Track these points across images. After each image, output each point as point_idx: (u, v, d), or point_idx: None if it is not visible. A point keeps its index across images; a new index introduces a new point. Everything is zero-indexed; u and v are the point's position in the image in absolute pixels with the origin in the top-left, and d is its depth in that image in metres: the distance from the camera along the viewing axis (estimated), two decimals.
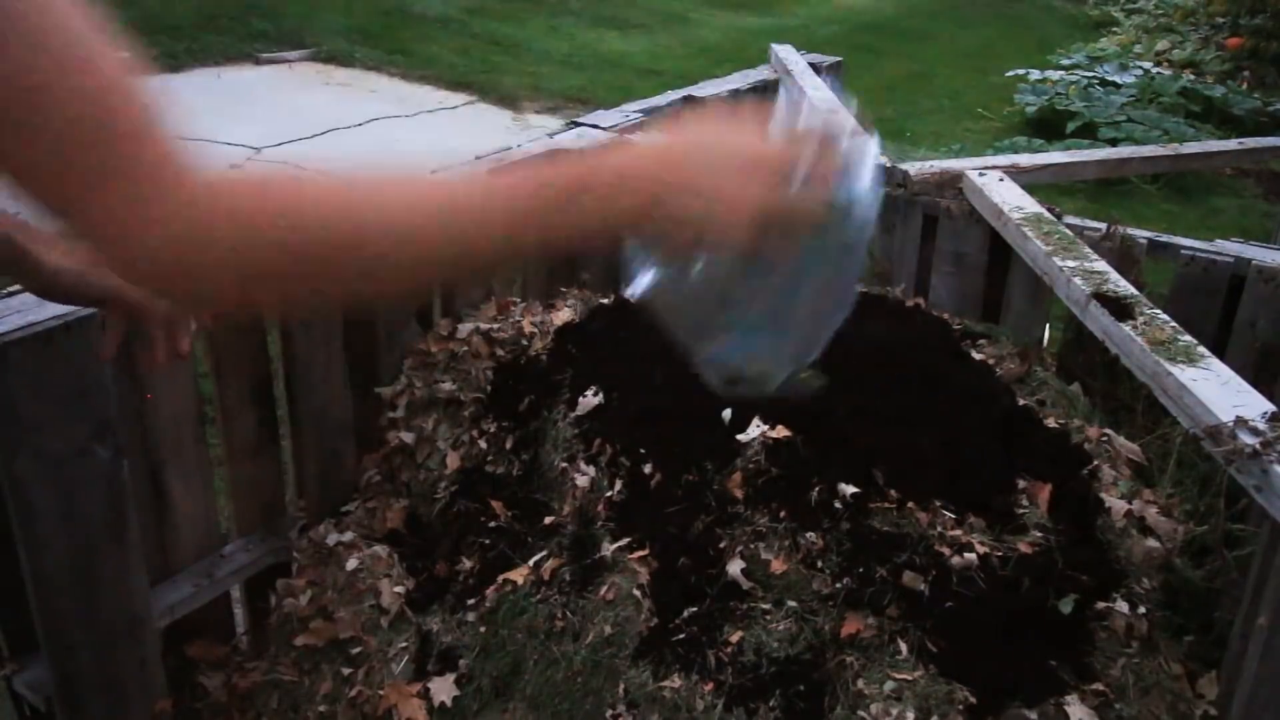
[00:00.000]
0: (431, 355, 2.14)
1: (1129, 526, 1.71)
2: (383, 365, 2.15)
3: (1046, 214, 2.29)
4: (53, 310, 1.55)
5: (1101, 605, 1.58)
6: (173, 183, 0.63)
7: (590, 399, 1.90)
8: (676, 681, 1.52)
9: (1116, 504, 1.72)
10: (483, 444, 2.01)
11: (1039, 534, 1.64)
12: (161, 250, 0.63)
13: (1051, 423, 1.90)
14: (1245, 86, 7.51)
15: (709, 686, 1.51)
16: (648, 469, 1.77)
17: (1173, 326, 1.83)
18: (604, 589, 1.64)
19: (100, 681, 1.73)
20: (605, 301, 2.27)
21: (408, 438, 2.08)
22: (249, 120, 5.87)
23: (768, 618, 1.57)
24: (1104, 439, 1.90)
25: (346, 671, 1.71)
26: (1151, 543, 1.69)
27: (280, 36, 7.80)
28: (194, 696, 1.86)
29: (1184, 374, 1.66)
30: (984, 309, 2.45)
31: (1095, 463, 1.80)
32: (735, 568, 1.61)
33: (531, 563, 1.71)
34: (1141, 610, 1.60)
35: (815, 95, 3.15)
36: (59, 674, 1.69)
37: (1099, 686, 1.51)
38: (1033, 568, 1.59)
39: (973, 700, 1.47)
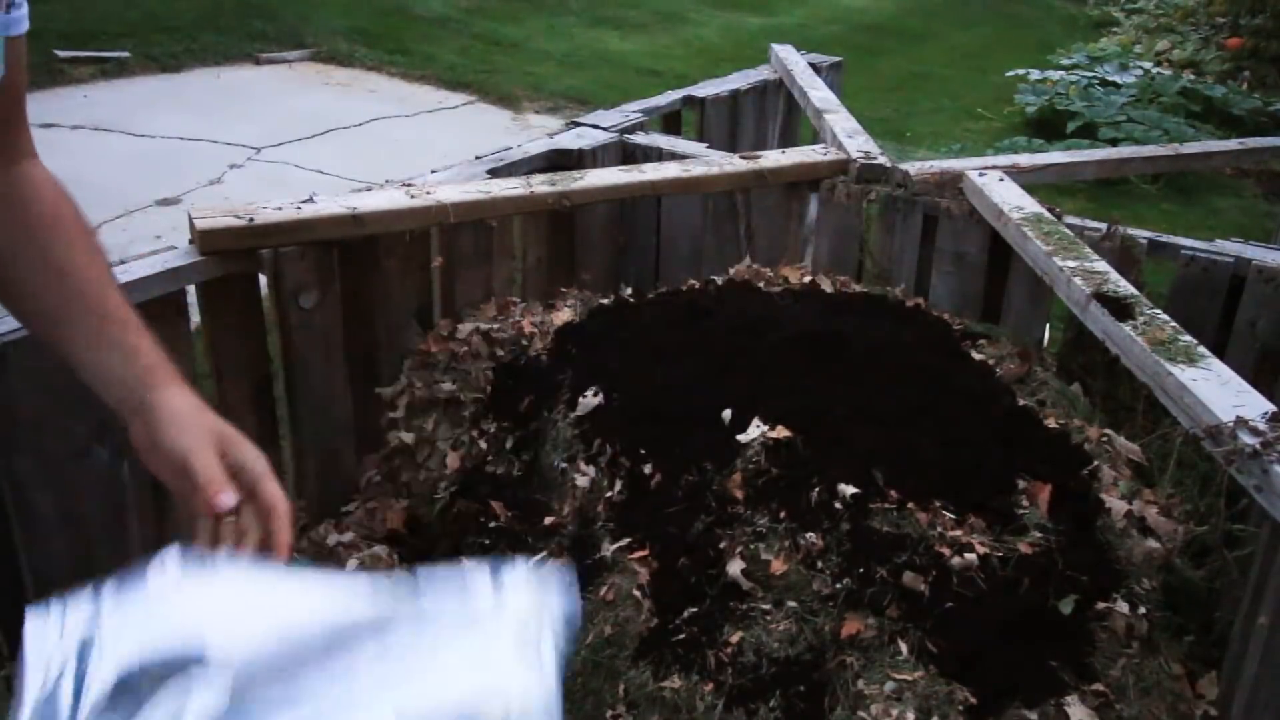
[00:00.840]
0: (431, 355, 2.14)
1: (1129, 527, 1.70)
2: (383, 365, 2.15)
3: (1046, 214, 2.29)
4: None
5: (1101, 606, 1.58)
6: None
7: (590, 399, 1.90)
8: (676, 682, 1.52)
9: (1116, 504, 1.72)
10: (483, 444, 2.01)
11: (1039, 534, 1.64)
12: None
13: (1051, 423, 1.90)
14: (1245, 86, 7.50)
15: (709, 687, 1.51)
16: (648, 469, 1.77)
17: (1173, 326, 1.83)
18: (604, 589, 1.64)
19: None
20: (605, 301, 2.27)
21: (408, 438, 2.08)
22: (249, 120, 5.87)
23: (768, 618, 1.57)
24: (1104, 439, 1.90)
25: None
26: (1151, 543, 1.69)
27: (280, 36, 7.80)
28: None
29: (1184, 374, 1.66)
30: (984, 309, 2.45)
31: (1095, 463, 1.80)
32: (735, 568, 1.60)
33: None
34: (1141, 610, 1.60)
35: (816, 95, 3.16)
36: None
37: (1099, 687, 1.51)
38: (1033, 568, 1.59)
39: (973, 700, 1.46)
